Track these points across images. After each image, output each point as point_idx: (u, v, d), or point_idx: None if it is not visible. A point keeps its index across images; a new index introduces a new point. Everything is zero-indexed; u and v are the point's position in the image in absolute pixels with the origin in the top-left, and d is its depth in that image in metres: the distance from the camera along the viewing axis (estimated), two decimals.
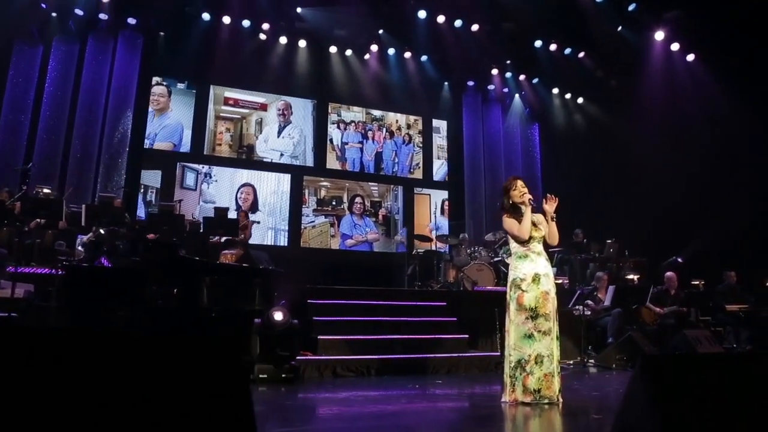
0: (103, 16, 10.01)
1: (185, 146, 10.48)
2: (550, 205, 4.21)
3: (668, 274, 8.28)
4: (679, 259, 9.37)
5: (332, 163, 11.43)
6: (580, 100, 12.84)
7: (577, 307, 7.78)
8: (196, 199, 10.03)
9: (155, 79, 10.52)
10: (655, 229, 10.31)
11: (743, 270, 8.56)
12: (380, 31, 10.89)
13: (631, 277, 8.71)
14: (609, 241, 10.08)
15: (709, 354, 3.84)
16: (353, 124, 11.74)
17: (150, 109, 10.39)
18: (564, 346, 7.61)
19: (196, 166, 10.30)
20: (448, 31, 10.79)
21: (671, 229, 10.23)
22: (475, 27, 10.61)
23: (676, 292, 8.22)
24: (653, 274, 9.39)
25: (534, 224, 4.23)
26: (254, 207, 10.21)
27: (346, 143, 11.61)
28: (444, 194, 11.92)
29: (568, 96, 12.80)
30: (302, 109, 11.41)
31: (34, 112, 9.51)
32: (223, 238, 8.13)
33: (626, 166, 11.05)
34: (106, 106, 9.94)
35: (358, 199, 11.15)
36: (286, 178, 10.86)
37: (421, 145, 12.19)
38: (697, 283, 8.77)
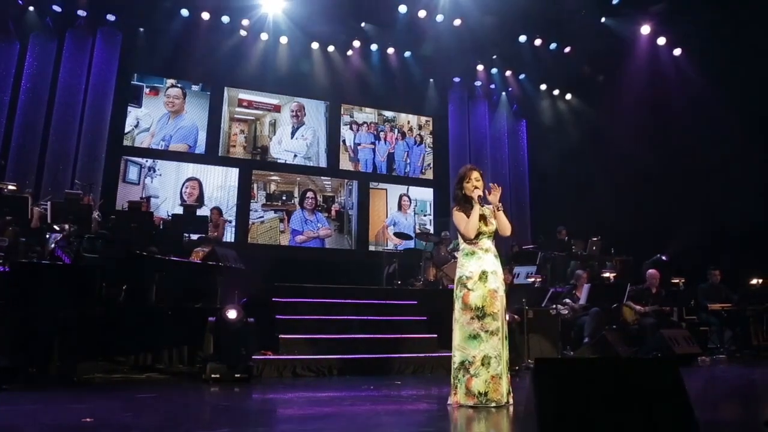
0: (81, 12, 9.93)
1: (200, 148, 10.53)
2: (494, 196, 3.99)
3: (650, 271, 8.08)
4: (664, 257, 9.17)
5: (345, 164, 11.45)
6: (568, 96, 12.66)
7: (553, 306, 7.60)
8: (138, 193, 9.86)
9: (170, 81, 10.58)
10: (643, 226, 10.13)
11: (728, 268, 8.36)
12: (362, 24, 10.72)
13: (607, 275, 8.51)
14: (594, 239, 9.90)
15: (593, 358, 3.71)
16: (365, 125, 11.75)
17: (165, 111, 10.47)
18: (540, 347, 7.52)
19: (139, 159, 10.14)
20: (431, 27, 10.62)
21: (659, 226, 10.04)
22: (457, 22, 10.43)
23: (658, 290, 8.03)
24: (638, 273, 9.20)
25: (484, 218, 4.05)
26: (200, 201, 9.99)
27: (359, 144, 11.62)
28: (402, 189, 11.68)
29: (556, 92, 12.63)
30: (315, 110, 11.44)
31: (10, 109, 9.44)
32: (197, 236, 8.08)
33: (614, 163, 10.86)
34: (84, 103, 9.86)
35: (309, 194, 10.93)
36: (233, 172, 10.62)
37: (432, 146, 12.20)
38: (678, 281, 8.56)
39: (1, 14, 9.41)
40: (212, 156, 10.55)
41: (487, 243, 4.06)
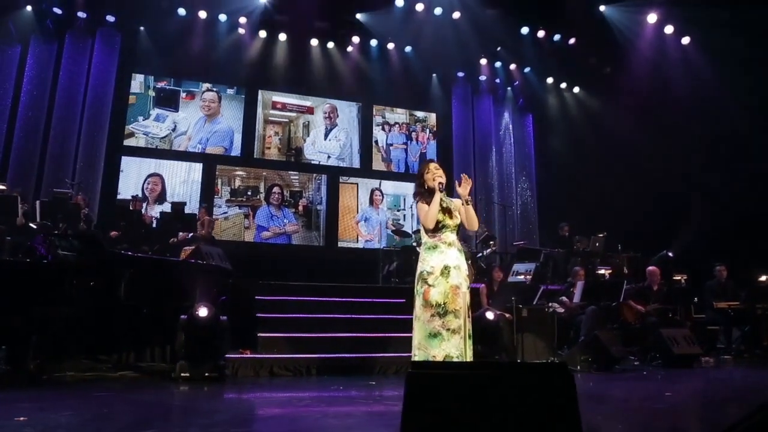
0: (81, 14, 10.02)
1: (236, 150, 10.67)
2: (464, 188, 3.84)
3: (650, 268, 7.78)
4: (670, 254, 8.81)
5: (378, 164, 11.47)
6: (576, 90, 12.33)
7: (549, 304, 7.35)
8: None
9: (205, 85, 10.70)
10: (651, 222, 9.79)
11: (734, 264, 7.99)
12: (358, 16, 10.58)
13: (602, 272, 8.20)
14: (600, 235, 9.58)
15: (473, 363, 3.53)
16: (397, 125, 11.78)
17: (201, 115, 10.61)
18: (535, 347, 7.26)
19: None
20: (430, 21, 10.43)
21: (667, 221, 9.69)
22: (456, 15, 10.22)
23: (659, 287, 7.71)
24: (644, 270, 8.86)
25: (449, 211, 3.89)
26: (162, 198, 9.90)
27: (391, 144, 11.65)
28: (375, 183, 11.39)
29: (563, 85, 12.31)
30: (348, 111, 11.51)
31: (11, 110, 9.56)
32: (189, 234, 8.05)
33: (622, 157, 10.54)
34: (83, 105, 9.94)
35: (276, 189, 10.70)
36: (197, 168, 10.42)
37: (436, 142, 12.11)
38: (679, 278, 8.21)
39: (3, 17, 9.54)
40: (247, 158, 10.68)
41: (450, 237, 3.91)
